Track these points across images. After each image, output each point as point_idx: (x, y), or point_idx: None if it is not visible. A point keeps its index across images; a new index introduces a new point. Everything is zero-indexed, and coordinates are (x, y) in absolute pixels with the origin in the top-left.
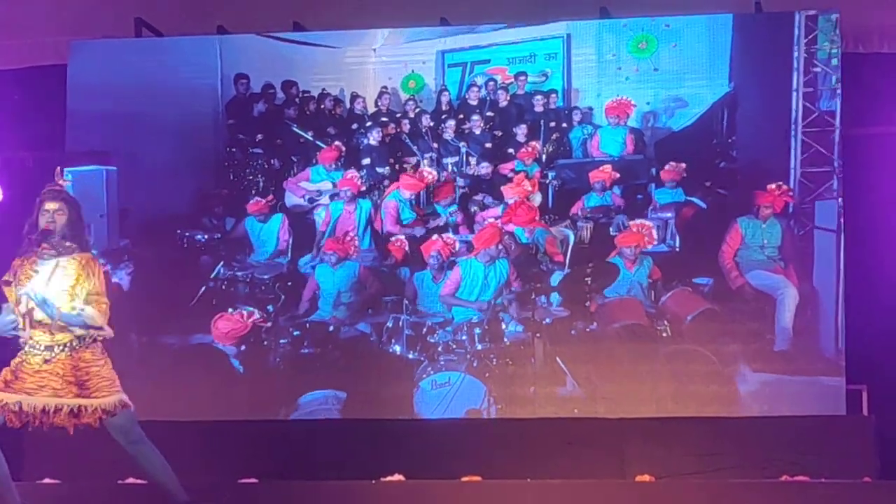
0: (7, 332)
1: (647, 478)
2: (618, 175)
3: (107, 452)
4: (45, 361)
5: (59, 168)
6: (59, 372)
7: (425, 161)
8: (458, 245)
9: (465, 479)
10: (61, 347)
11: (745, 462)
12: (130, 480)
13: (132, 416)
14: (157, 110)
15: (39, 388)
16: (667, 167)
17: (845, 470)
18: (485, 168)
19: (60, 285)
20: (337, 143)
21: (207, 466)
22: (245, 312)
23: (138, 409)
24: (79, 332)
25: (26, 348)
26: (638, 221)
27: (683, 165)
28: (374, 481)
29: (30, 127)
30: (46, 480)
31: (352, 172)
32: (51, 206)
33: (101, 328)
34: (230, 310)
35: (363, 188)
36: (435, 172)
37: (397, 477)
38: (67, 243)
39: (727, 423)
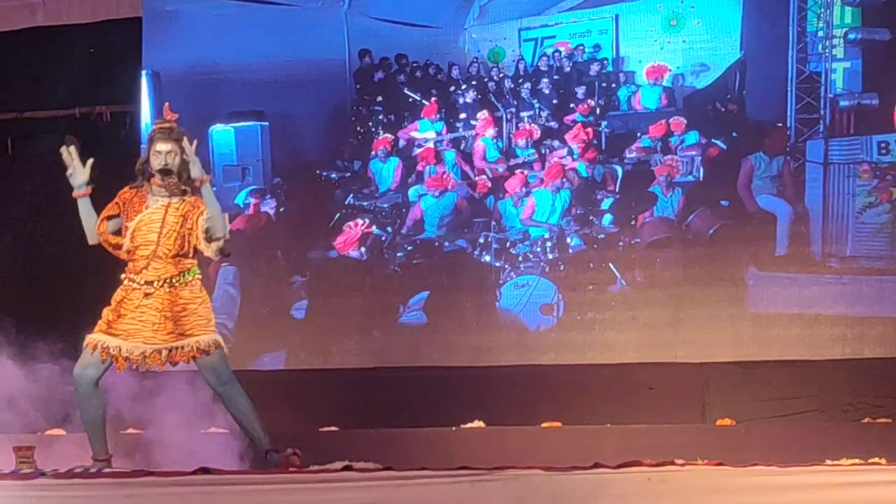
0: None
1: (728, 422)
2: (655, 124)
3: (189, 402)
4: (146, 296)
5: (167, 104)
6: (159, 307)
7: (507, 114)
8: (531, 178)
9: (545, 425)
10: (161, 282)
11: (826, 405)
12: (213, 430)
13: (224, 358)
14: (299, 78)
15: (141, 323)
16: (693, 117)
17: None
18: (552, 119)
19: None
20: (437, 101)
21: (288, 415)
22: (354, 224)
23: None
24: (177, 268)
25: (125, 282)
26: (670, 157)
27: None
28: (454, 428)
29: (106, 81)
30: (130, 430)
31: (449, 125)
32: (163, 146)
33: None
34: (350, 228)
35: (458, 136)
36: (514, 123)
37: (477, 424)
38: (183, 186)
39: (809, 366)
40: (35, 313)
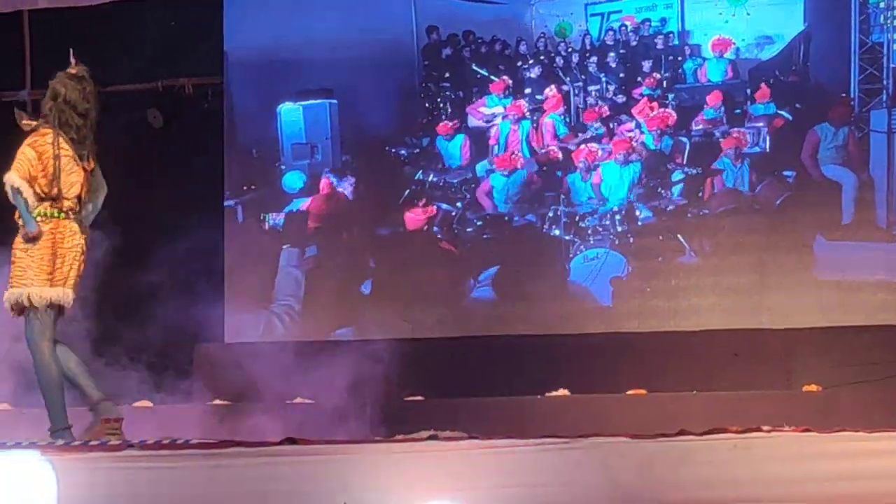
0: None
1: (814, 388)
2: (721, 96)
3: (273, 374)
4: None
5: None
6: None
7: (574, 89)
8: (600, 152)
9: (629, 392)
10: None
11: None
12: (298, 400)
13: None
14: (367, 55)
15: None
16: (759, 89)
17: None
18: (619, 93)
19: None
20: (505, 77)
21: (374, 384)
22: (423, 200)
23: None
24: None
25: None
26: (738, 129)
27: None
28: (539, 396)
29: (187, 54)
30: (216, 402)
31: (517, 100)
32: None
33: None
34: (420, 204)
35: (526, 112)
36: (581, 97)
37: (562, 392)
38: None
39: (893, 330)
40: (113, 287)
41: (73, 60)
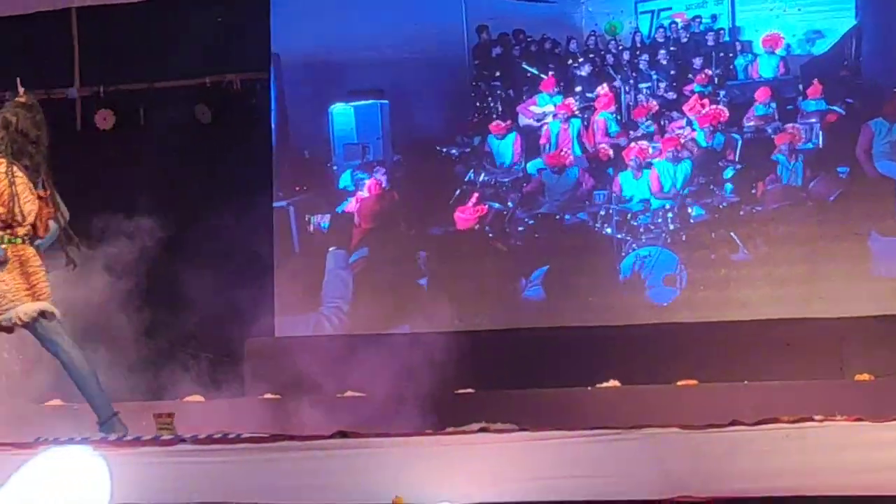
0: None
1: (866, 377)
2: (773, 92)
3: (324, 368)
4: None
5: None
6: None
7: (625, 87)
8: (651, 150)
9: (680, 383)
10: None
11: None
12: (349, 393)
13: None
14: (418, 55)
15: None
16: (810, 84)
17: None
18: (670, 90)
19: None
20: (556, 75)
21: (425, 377)
22: (474, 198)
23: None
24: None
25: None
26: (792, 125)
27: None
28: (589, 388)
29: (235, 50)
30: (267, 396)
31: (568, 99)
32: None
33: None
34: (470, 203)
35: (576, 110)
36: (632, 95)
37: (613, 383)
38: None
39: None
40: (163, 282)
41: (20, 90)
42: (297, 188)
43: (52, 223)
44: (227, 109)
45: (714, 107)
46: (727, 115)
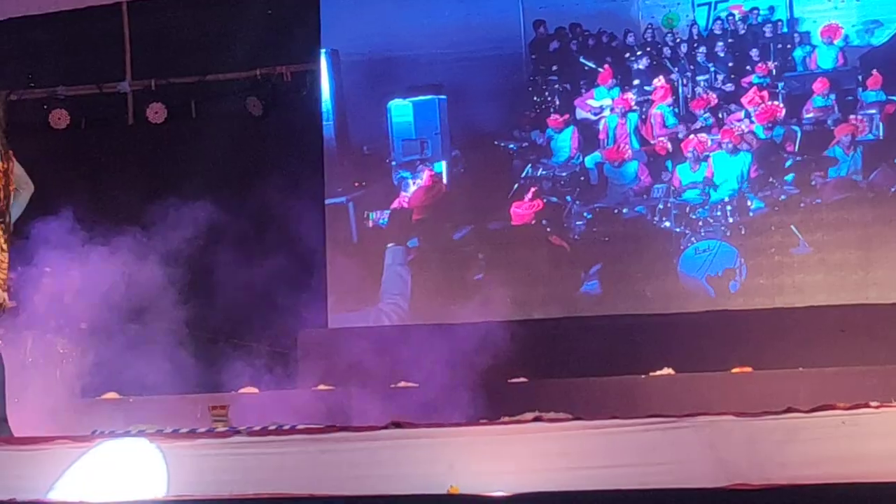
0: None
1: None
2: (832, 83)
3: (377, 358)
4: None
5: None
6: None
7: (682, 80)
8: (709, 142)
9: (735, 370)
10: None
11: None
12: (402, 384)
13: None
14: (476, 51)
15: None
16: (870, 75)
17: None
18: (728, 82)
19: None
20: (612, 68)
21: (477, 367)
22: (529, 202)
23: None
24: None
25: None
26: (853, 116)
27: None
28: (643, 376)
29: (284, 42)
30: (321, 387)
31: (626, 93)
32: None
33: None
34: (527, 198)
35: (633, 103)
36: (690, 87)
37: (666, 371)
38: None
39: None
40: (217, 274)
41: None
42: (356, 184)
43: (22, 192)
44: (278, 101)
45: (771, 103)
46: (783, 111)
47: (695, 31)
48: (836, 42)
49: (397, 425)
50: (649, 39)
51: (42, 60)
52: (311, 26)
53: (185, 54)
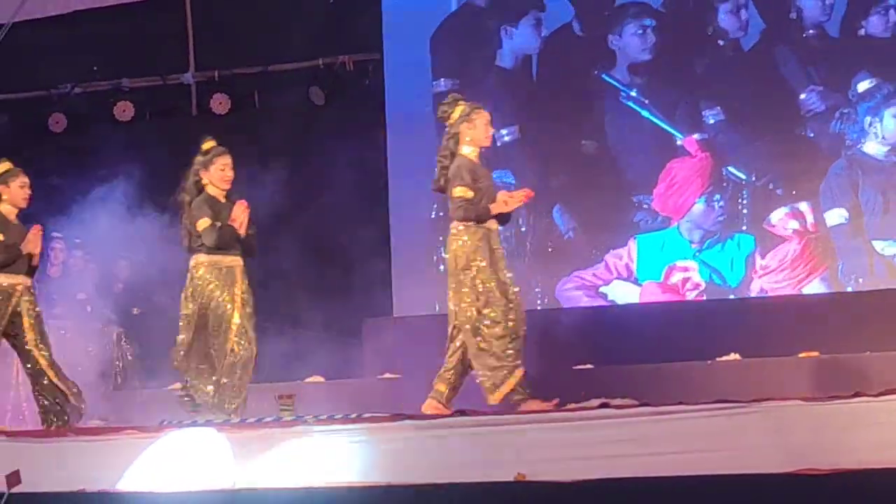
0: None
1: None
2: None
3: (441, 347)
4: None
5: None
6: None
7: None
8: None
9: (802, 355)
10: None
11: None
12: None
13: None
14: None
15: None
16: None
17: None
18: None
19: None
20: None
21: (543, 354)
22: None
23: None
24: None
25: None
26: None
27: None
28: (709, 362)
29: (346, 31)
30: (386, 376)
31: None
32: None
33: None
34: None
35: None
36: None
37: (733, 356)
38: None
39: None
40: (282, 263)
41: None
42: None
43: None
44: (340, 91)
45: None
46: None
47: None
48: None
49: (463, 413)
50: None
51: (107, 53)
52: (374, 14)
53: (247, 45)
